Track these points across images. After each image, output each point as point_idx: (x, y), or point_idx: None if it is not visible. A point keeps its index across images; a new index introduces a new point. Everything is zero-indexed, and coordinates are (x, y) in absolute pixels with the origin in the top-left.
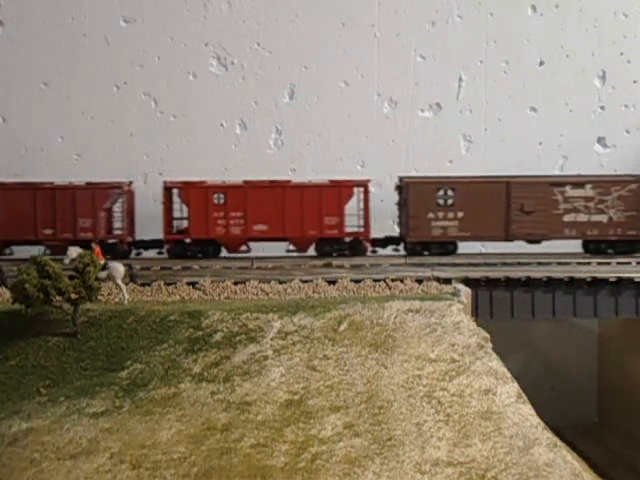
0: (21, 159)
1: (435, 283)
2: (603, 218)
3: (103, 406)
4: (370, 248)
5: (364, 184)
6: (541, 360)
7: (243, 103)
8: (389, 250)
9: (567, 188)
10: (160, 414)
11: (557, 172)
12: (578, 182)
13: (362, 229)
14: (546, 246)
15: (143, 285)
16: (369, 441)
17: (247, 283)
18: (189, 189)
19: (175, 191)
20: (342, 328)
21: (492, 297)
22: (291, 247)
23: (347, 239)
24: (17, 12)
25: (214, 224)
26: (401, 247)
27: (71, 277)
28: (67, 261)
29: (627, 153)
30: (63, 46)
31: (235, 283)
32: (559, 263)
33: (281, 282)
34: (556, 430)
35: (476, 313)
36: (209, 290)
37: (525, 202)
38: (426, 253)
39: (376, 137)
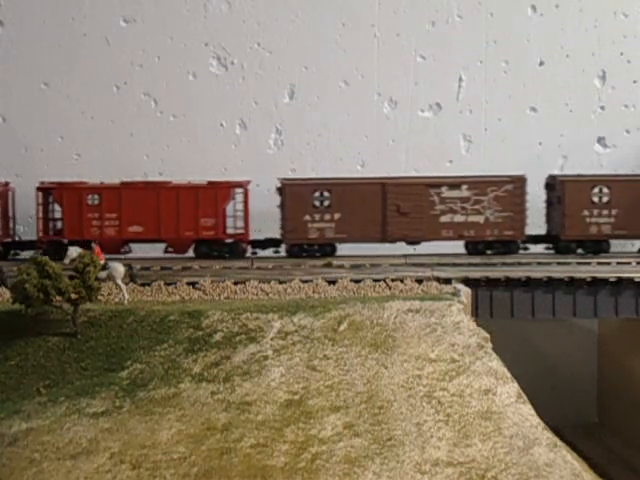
0: (21, 159)
1: (435, 283)
2: (480, 219)
3: (103, 406)
4: (250, 250)
5: (242, 185)
6: (541, 360)
7: (243, 103)
8: (269, 252)
9: (443, 189)
10: (160, 414)
11: (557, 172)
12: (454, 183)
13: (242, 231)
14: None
15: (143, 285)
16: (369, 441)
17: (247, 283)
18: (62, 190)
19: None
20: (342, 328)
21: (492, 297)
22: (170, 249)
23: (228, 240)
24: (17, 12)
25: (89, 225)
26: (282, 249)
27: (71, 277)
28: (67, 261)
29: (627, 153)
30: (63, 46)
31: (235, 283)
32: (559, 263)
33: (281, 282)
34: (556, 430)
35: (476, 313)
36: (209, 290)
37: (401, 203)
38: (305, 255)
39: (376, 137)
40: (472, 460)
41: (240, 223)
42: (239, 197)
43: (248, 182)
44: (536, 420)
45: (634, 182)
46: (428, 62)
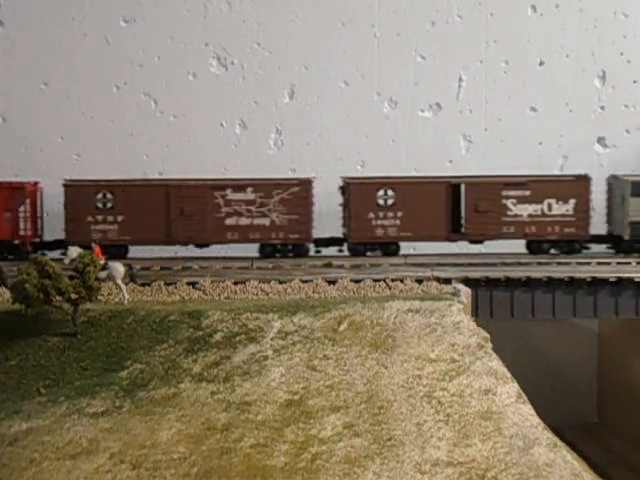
0: (21, 159)
1: (435, 283)
2: (266, 221)
3: (103, 406)
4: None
5: (25, 187)
6: (541, 360)
7: (243, 103)
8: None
9: (228, 191)
10: (160, 414)
11: (557, 172)
12: (239, 185)
13: (29, 232)
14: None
15: (143, 285)
16: (369, 441)
17: (247, 283)
18: None
19: None
20: (342, 328)
21: (492, 297)
22: None
23: (16, 242)
24: (17, 12)
25: None
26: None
27: (71, 277)
28: (67, 261)
29: (627, 153)
30: (63, 46)
31: (235, 283)
32: (559, 263)
33: (281, 282)
34: (556, 430)
35: (476, 313)
36: (209, 290)
37: (185, 206)
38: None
39: (376, 137)
40: (472, 460)
41: (28, 225)
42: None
43: (36, 183)
44: (536, 420)
45: (419, 184)
46: (428, 62)
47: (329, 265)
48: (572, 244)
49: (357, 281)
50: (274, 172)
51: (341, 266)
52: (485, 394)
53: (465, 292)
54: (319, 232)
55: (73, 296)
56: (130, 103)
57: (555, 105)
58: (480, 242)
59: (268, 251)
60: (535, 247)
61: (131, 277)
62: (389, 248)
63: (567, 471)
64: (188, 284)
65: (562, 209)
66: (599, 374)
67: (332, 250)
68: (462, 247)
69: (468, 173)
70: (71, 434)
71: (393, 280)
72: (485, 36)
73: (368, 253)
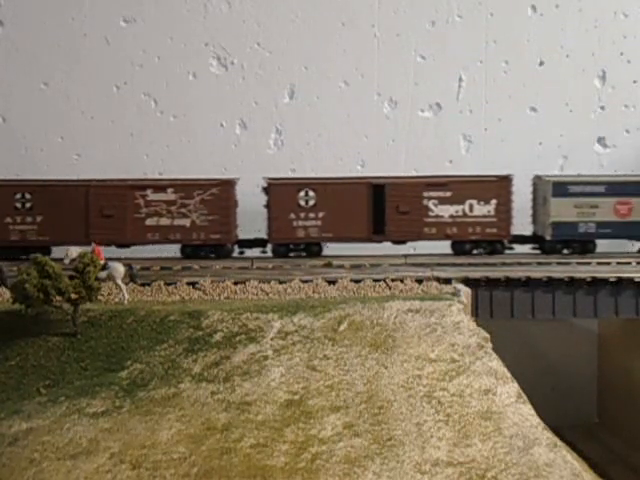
0: (21, 159)
1: (435, 283)
2: (186, 222)
3: (103, 406)
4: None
5: None
6: (541, 360)
7: (243, 103)
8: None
9: (148, 192)
10: (160, 414)
11: (557, 172)
12: (159, 186)
13: None
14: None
15: (143, 285)
16: (369, 441)
17: (247, 283)
18: None
19: None
20: (342, 328)
21: (492, 297)
22: None
23: None
24: (17, 12)
25: None
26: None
27: (71, 277)
28: (67, 261)
29: (627, 153)
30: (63, 46)
31: (235, 283)
32: (559, 263)
33: (281, 282)
34: (556, 430)
35: (476, 313)
36: (209, 290)
37: (105, 206)
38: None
39: (376, 137)
40: (472, 460)
41: None
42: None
43: None
44: (536, 420)
45: (340, 185)
46: (428, 62)
47: (329, 265)
48: (494, 245)
49: (357, 281)
50: (274, 172)
51: (341, 266)
52: (485, 394)
53: (465, 292)
54: (248, 233)
55: (73, 296)
56: (130, 103)
57: (555, 105)
58: (403, 243)
59: (189, 252)
60: (458, 248)
61: (131, 277)
62: (311, 249)
63: (567, 471)
64: (188, 284)
65: (483, 210)
66: (599, 374)
67: (256, 251)
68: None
69: (468, 173)
70: (71, 434)
71: (393, 280)
72: (485, 36)
73: (291, 254)
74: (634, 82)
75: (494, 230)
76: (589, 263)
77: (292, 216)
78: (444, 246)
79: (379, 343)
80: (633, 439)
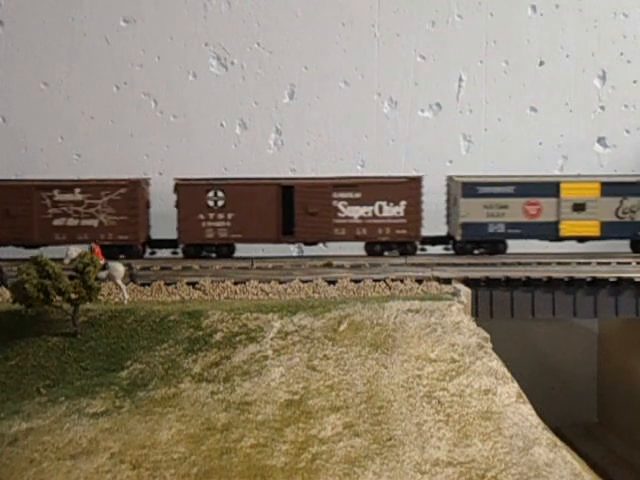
0: (21, 159)
1: (435, 283)
2: (94, 222)
3: (103, 406)
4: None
5: None
6: (541, 360)
7: (243, 103)
8: None
9: (55, 192)
10: (160, 414)
11: (557, 172)
12: (66, 186)
13: None
14: (543, 246)
15: (143, 285)
16: (369, 441)
17: (247, 283)
18: None
19: None
20: (342, 328)
21: (492, 297)
22: None
23: None
24: (17, 12)
25: None
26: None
27: (71, 277)
28: (67, 261)
29: (627, 153)
30: (63, 46)
31: (235, 283)
32: (559, 263)
33: (281, 282)
34: (556, 430)
35: (476, 313)
36: (209, 290)
37: (11, 207)
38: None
39: (376, 137)
40: (472, 460)
41: None
42: None
43: None
44: (536, 420)
45: (249, 185)
46: (428, 62)
47: (329, 265)
48: (405, 246)
49: (357, 281)
50: (274, 172)
51: (341, 266)
52: (485, 394)
53: (465, 292)
54: (165, 234)
55: (73, 296)
56: (130, 103)
57: (555, 105)
58: (314, 244)
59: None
60: (369, 249)
61: (131, 277)
62: (221, 250)
63: (567, 471)
64: (188, 284)
65: (393, 211)
66: (599, 374)
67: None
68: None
69: (468, 173)
70: (71, 434)
71: (393, 280)
72: (485, 36)
73: (203, 254)
74: (634, 82)
75: (404, 231)
76: (589, 263)
77: (201, 217)
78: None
79: (379, 343)
80: (633, 439)
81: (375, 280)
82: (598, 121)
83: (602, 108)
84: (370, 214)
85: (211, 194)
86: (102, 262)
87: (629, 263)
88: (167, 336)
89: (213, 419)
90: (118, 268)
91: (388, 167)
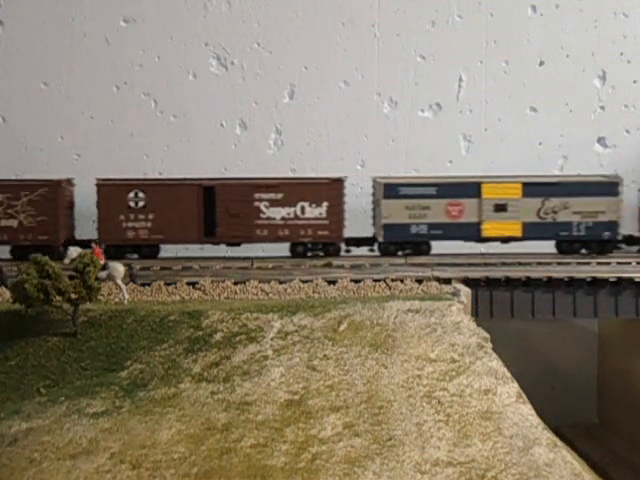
0: (21, 159)
1: (435, 283)
2: (14, 223)
3: (103, 406)
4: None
5: None
6: (541, 360)
7: (243, 103)
8: None
9: None
10: (160, 414)
11: (557, 172)
12: None
13: None
14: (545, 246)
15: (143, 285)
16: (369, 441)
17: (247, 283)
18: None
19: None
20: (342, 328)
21: (492, 297)
22: None
23: None
24: (17, 12)
25: None
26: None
27: (71, 277)
28: (67, 261)
29: (627, 153)
30: (63, 46)
31: (235, 283)
32: (559, 263)
33: (281, 282)
34: (556, 430)
35: (476, 313)
36: (209, 290)
37: None
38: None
39: (376, 137)
40: (472, 460)
41: None
42: None
43: None
44: (536, 420)
45: (170, 186)
46: (428, 62)
47: (329, 265)
48: (327, 247)
49: (357, 281)
50: (274, 172)
51: (341, 266)
52: (485, 394)
53: (465, 292)
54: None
55: (73, 296)
56: (130, 103)
57: (555, 105)
58: (237, 245)
59: (19, 253)
60: (292, 249)
61: (131, 277)
62: (143, 250)
63: (567, 471)
64: (188, 284)
65: (315, 212)
66: (599, 374)
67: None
68: (463, 247)
69: (468, 173)
70: (71, 434)
71: (393, 280)
72: (485, 36)
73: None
74: (634, 82)
75: (326, 232)
76: (589, 263)
77: (122, 217)
78: (444, 246)
79: (379, 343)
80: (633, 439)
81: (375, 280)
82: (598, 121)
83: (602, 108)
84: (292, 215)
85: (132, 195)
86: (102, 262)
87: (629, 263)
88: (167, 336)
89: (213, 419)
90: (118, 268)
91: (388, 167)
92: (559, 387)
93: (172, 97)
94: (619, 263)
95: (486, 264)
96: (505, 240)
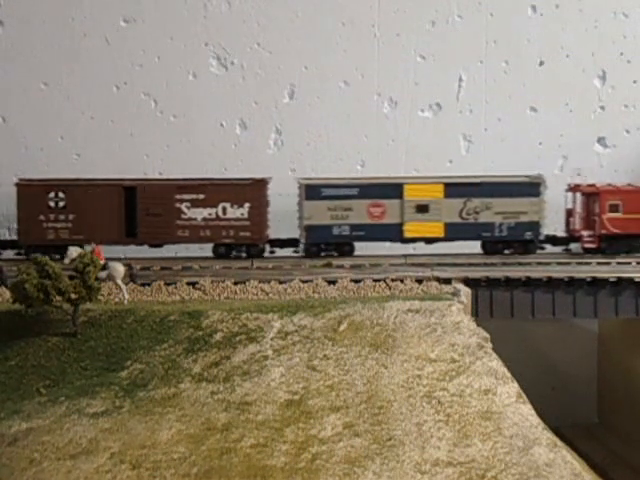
0: (21, 159)
1: (435, 283)
2: None
3: (103, 406)
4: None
5: None
6: (541, 360)
7: (243, 103)
8: None
9: None
10: (160, 414)
11: (557, 172)
12: None
13: None
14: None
15: (143, 285)
16: (369, 441)
17: (247, 283)
18: None
19: None
20: (342, 328)
21: (492, 297)
22: None
23: None
24: (17, 12)
25: None
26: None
27: (71, 277)
28: (67, 261)
29: (627, 153)
30: (63, 46)
31: (235, 283)
32: (559, 263)
33: (281, 282)
34: (556, 430)
35: (476, 313)
36: (209, 290)
37: None
38: None
39: (376, 137)
40: (472, 460)
41: None
42: None
43: None
44: (536, 420)
45: (90, 187)
46: (428, 62)
47: (329, 265)
48: (250, 248)
49: (357, 281)
50: (274, 172)
51: (341, 266)
52: (485, 394)
53: (465, 292)
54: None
55: (73, 296)
56: (130, 103)
57: (555, 105)
58: (159, 246)
59: None
60: (215, 250)
61: (131, 277)
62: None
63: (567, 471)
64: (188, 284)
65: (237, 213)
66: (599, 374)
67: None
68: (463, 247)
69: (468, 173)
70: (71, 434)
71: (393, 280)
72: (485, 36)
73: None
74: (634, 82)
75: (248, 234)
76: (589, 263)
77: (42, 217)
78: (443, 247)
79: (379, 343)
80: (633, 439)
81: (375, 280)
82: (598, 121)
83: (602, 108)
84: (214, 216)
85: (52, 195)
86: (102, 262)
87: (629, 263)
88: (167, 336)
89: (213, 419)
90: (118, 268)
91: (388, 167)
92: (559, 387)
93: (172, 97)
94: (619, 263)
95: (486, 264)
96: (427, 241)
